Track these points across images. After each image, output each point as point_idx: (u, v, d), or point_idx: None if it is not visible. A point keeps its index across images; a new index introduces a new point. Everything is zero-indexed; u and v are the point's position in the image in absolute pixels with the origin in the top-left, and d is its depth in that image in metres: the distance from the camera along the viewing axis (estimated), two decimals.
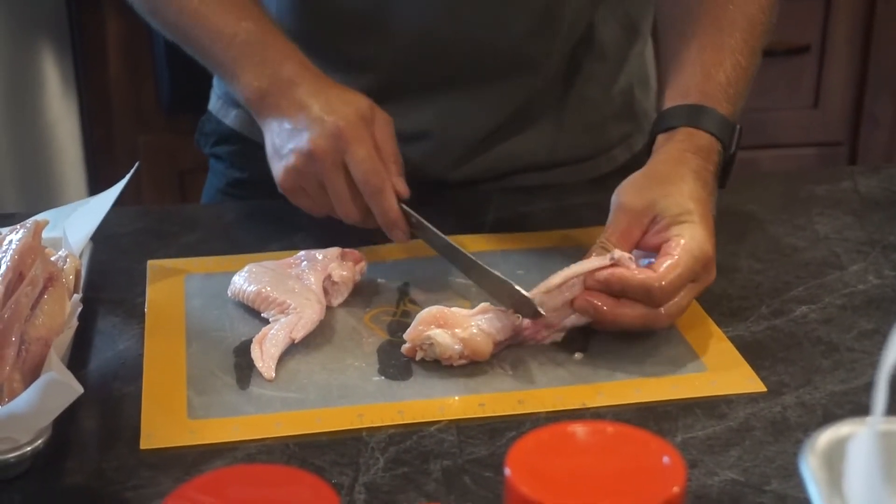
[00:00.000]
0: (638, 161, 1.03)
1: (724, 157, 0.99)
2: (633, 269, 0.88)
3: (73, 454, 0.78)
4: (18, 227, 0.87)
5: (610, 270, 0.88)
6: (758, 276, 1.02)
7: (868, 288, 1.00)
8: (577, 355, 0.89)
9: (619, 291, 0.88)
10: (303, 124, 0.98)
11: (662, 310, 0.88)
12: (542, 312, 0.88)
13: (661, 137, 0.99)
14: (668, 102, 1.01)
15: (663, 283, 0.87)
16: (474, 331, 0.87)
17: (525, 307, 0.89)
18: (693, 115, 0.99)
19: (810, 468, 0.51)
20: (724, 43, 1.02)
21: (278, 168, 1.00)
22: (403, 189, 1.00)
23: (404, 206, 0.99)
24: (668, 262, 0.88)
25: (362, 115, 0.99)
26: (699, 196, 0.93)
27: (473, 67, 1.14)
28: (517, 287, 0.90)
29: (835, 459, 0.51)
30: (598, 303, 0.88)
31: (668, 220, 0.91)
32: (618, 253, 0.89)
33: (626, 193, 0.94)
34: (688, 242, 0.89)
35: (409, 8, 1.10)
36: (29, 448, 0.74)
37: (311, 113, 0.98)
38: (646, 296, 0.87)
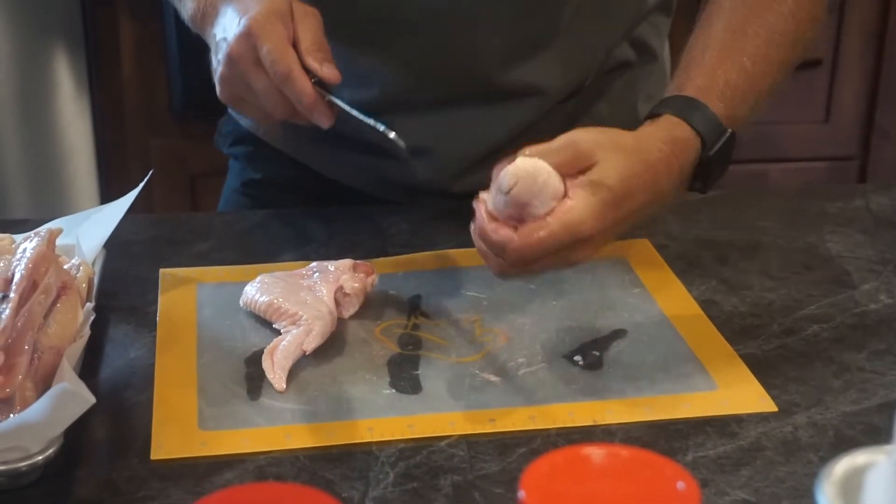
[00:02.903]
0: None
1: (702, 155, 0.94)
2: (495, 225, 0.85)
3: (84, 464, 0.78)
4: (32, 234, 0.87)
5: (479, 219, 0.85)
6: (769, 293, 1.02)
7: (880, 307, 1.00)
8: (577, 358, 0.91)
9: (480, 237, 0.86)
10: (224, 33, 1.00)
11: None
12: (409, 157, 0.94)
13: (646, 122, 0.96)
14: (665, 94, 0.99)
15: (519, 244, 0.83)
16: None
17: (394, 148, 0.93)
18: (683, 107, 0.95)
19: (826, 497, 0.51)
20: (733, 46, 1.00)
21: (216, 82, 1.01)
22: (329, 74, 0.99)
23: (320, 90, 0.98)
24: (538, 227, 0.84)
25: (274, 10, 0.99)
26: (633, 178, 0.87)
27: (476, 88, 1.14)
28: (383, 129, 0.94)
29: (851, 489, 0.51)
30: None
31: (584, 178, 0.86)
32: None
33: (585, 133, 0.89)
34: (571, 213, 0.84)
35: (410, 27, 1.10)
36: (40, 457, 0.74)
37: (230, 20, 1.00)
38: (500, 251, 0.85)
